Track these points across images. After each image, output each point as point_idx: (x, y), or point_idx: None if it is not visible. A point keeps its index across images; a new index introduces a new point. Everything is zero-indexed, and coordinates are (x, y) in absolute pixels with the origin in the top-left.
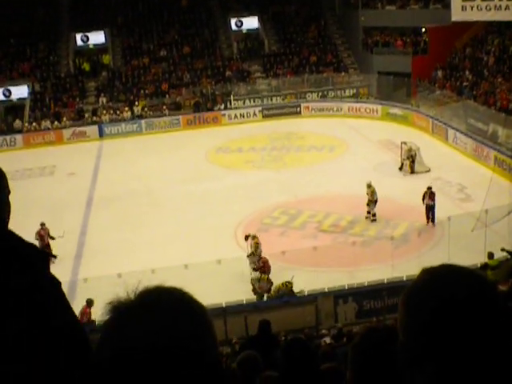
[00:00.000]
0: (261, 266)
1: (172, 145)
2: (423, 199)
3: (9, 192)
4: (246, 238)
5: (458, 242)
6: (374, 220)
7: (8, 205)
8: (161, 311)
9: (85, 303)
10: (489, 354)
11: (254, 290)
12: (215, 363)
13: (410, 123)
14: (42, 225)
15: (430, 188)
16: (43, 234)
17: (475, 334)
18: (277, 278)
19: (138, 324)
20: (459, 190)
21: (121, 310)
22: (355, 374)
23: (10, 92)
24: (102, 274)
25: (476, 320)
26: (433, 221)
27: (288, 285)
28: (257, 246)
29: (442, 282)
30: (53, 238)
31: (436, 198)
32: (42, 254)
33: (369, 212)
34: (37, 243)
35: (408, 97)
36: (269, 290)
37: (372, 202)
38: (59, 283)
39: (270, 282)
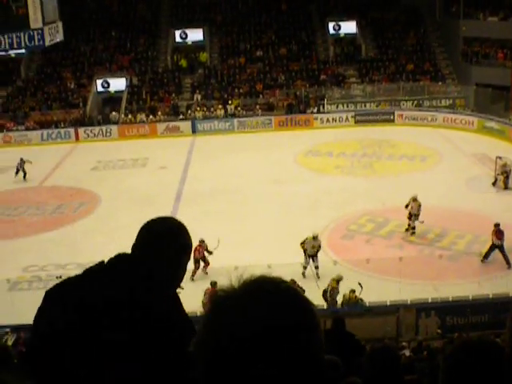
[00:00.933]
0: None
1: (263, 145)
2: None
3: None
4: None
5: None
6: (414, 233)
7: (184, 269)
8: (265, 300)
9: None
10: None
11: (325, 296)
12: (319, 358)
13: (506, 138)
14: (201, 242)
15: (497, 225)
16: (201, 250)
17: None
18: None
19: (242, 312)
20: None
21: (225, 299)
22: None
23: (108, 84)
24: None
25: None
26: (507, 262)
27: (351, 295)
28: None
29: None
30: (211, 253)
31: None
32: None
33: (409, 225)
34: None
35: (506, 111)
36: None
37: (416, 215)
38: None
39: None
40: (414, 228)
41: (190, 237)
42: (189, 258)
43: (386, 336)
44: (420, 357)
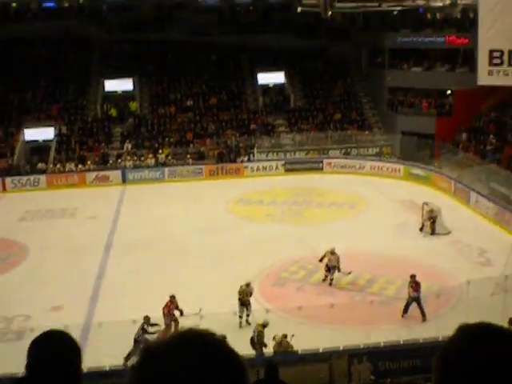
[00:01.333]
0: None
1: (194, 194)
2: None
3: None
4: None
5: (476, 306)
6: (331, 284)
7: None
8: (195, 353)
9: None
10: None
11: (252, 343)
12: None
13: (432, 184)
14: (172, 298)
15: (413, 276)
16: (171, 306)
17: None
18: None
19: (171, 365)
20: (479, 254)
21: (154, 352)
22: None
23: (36, 133)
24: (117, 319)
25: None
26: (423, 314)
27: (283, 339)
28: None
29: (483, 341)
30: (181, 313)
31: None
32: None
33: (326, 276)
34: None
35: (431, 158)
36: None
37: (335, 267)
38: None
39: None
40: (331, 280)
41: (76, 344)
42: (80, 365)
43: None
44: None
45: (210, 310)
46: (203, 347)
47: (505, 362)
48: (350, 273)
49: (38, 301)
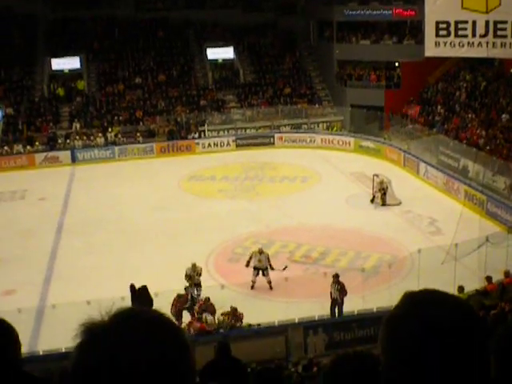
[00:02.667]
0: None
1: (145, 172)
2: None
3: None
4: None
5: (427, 275)
6: (271, 287)
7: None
8: (135, 330)
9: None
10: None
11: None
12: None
13: (382, 156)
14: (179, 297)
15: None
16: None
17: (459, 363)
18: (244, 307)
19: (112, 343)
20: (430, 223)
21: (95, 331)
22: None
23: None
24: (71, 300)
25: (460, 349)
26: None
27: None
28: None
29: (425, 307)
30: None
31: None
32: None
33: (254, 282)
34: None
35: (380, 130)
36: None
37: (266, 269)
38: None
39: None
40: (269, 282)
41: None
42: (17, 347)
43: (275, 357)
44: (310, 374)
45: (163, 288)
46: (148, 323)
47: (446, 327)
48: (285, 268)
49: None
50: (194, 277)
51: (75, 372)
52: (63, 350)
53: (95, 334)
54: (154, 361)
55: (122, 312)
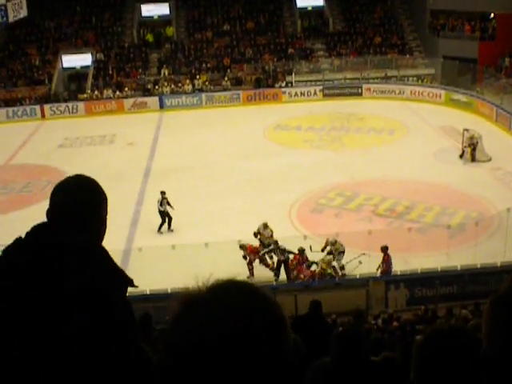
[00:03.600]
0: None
1: (231, 120)
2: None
3: (106, 213)
4: None
5: None
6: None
7: (105, 224)
8: (232, 303)
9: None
10: None
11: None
12: (287, 359)
13: (473, 110)
14: (301, 251)
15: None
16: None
17: None
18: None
19: (208, 315)
20: None
21: (191, 302)
22: (419, 376)
23: (74, 60)
24: (156, 244)
25: None
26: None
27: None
28: None
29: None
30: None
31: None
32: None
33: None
34: None
35: (473, 83)
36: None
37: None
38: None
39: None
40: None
41: (101, 188)
42: (106, 211)
43: (356, 309)
44: (390, 328)
45: (246, 236)
46: (241, 297)
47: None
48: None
49: None
50: (263, 235)
51: (170, 345)
52: (147, 292)
53: (191, 306)
54: (252, 336)
55: (221, 284)
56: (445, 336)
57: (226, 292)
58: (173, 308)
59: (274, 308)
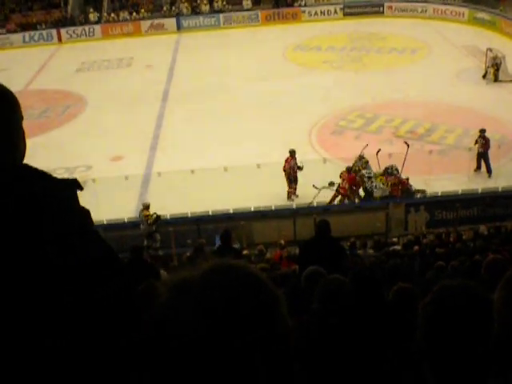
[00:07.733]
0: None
1: (250, 40)
2: (475, 143)
3: (21, 118)
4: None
5: None
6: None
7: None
8: (228, 289)
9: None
10: None
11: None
12: (281, 349)
13: (497, 29)
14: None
15: (482, 131)
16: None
17: None
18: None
19: (201, 305)
20: None
21: (184, 289)
22: (425, 337)
23: None
24: (175, 168)
25: None
26: (489, 171)
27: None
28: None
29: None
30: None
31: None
32: (67, 182)
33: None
34: None
35: (497, 1)
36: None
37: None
38: (88, 213)
39: None
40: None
41: (11, 92)
42: (20, 118)
43: (376, 232)
44: (410, 252)
45: (265, 159)
46: (243, 283)
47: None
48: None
49: (98, 151)
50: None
51: (161, 330)
52: (168, 217)
53: (184, 292)
54: (249, 321)
55: (214, 268)
56: (453, 295)
57: (222, 280)
58: (162, 294)
59: (266, 291)
